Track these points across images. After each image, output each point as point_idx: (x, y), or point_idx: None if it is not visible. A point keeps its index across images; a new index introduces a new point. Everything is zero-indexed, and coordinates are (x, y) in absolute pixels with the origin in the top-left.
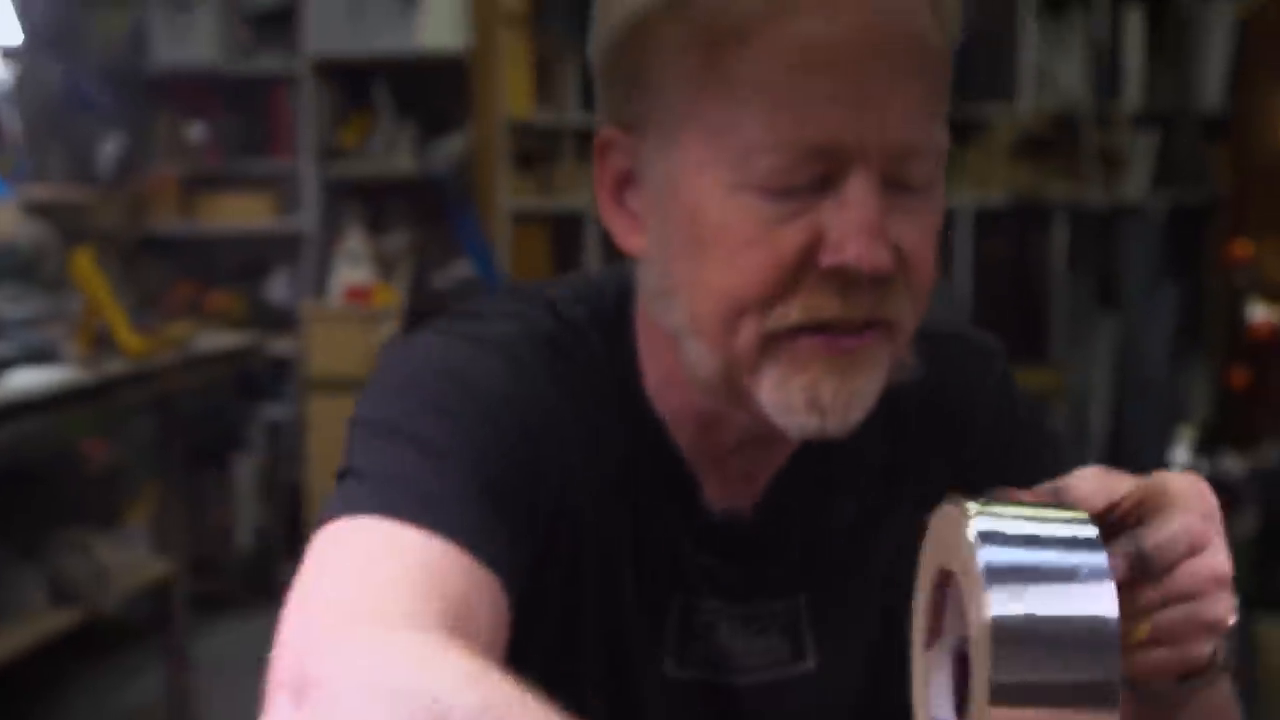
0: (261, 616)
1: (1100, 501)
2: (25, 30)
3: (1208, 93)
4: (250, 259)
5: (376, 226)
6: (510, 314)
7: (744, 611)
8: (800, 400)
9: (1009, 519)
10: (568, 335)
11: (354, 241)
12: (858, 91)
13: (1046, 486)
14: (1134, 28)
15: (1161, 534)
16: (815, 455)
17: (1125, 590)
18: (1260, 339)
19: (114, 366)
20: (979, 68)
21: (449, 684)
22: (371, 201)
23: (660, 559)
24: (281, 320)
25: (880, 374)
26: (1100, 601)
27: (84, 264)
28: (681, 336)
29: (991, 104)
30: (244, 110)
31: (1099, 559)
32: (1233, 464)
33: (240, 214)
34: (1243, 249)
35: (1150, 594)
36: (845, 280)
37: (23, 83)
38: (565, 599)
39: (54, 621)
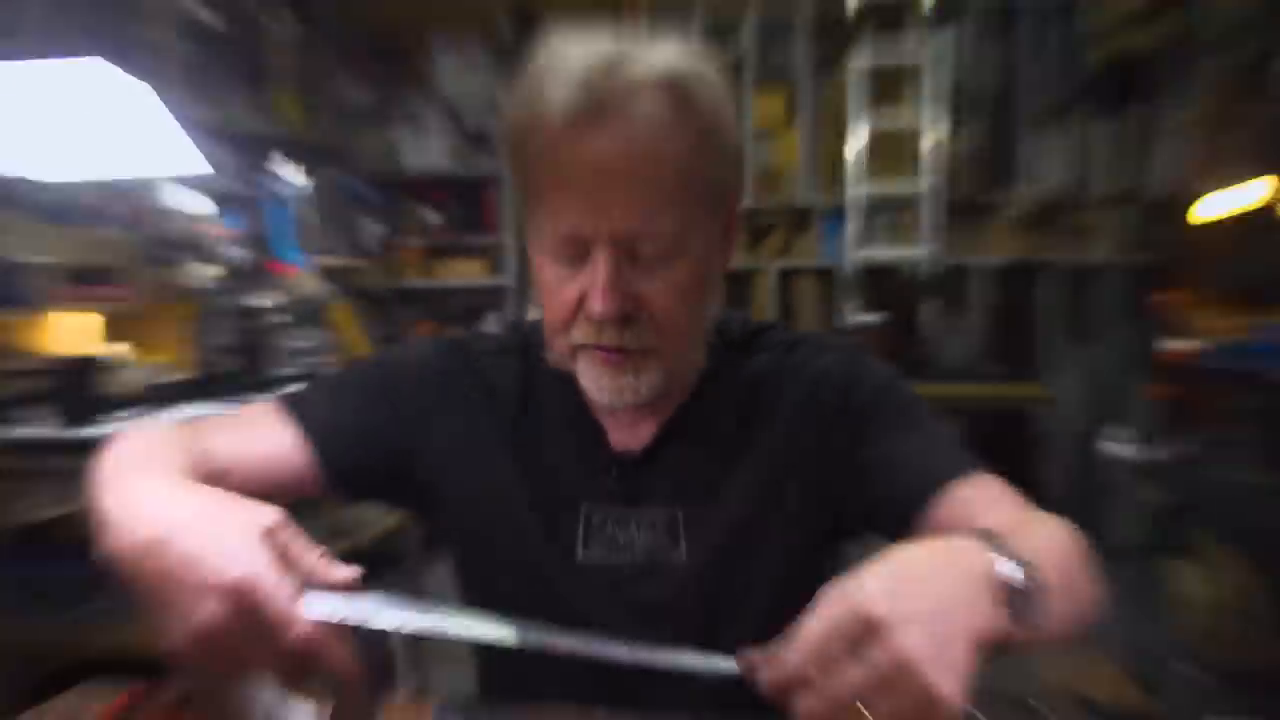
0: None
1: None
2: (317, 152)
3: (1156, 179)
4: (471, 305)
5: None
6: (495, 334)
7: (635, 516)
8: (594, 387)
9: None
10: (522, 344)
11: None
12: (593, 197)
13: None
14: (1101, 134)
15: None
16: (686, 415)
17: None
18: (1175, 362)
19: None
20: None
21: (142, 455)
22: None
23: (576, 480)
24: None
25: (650, 376)
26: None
27: (341, 314)
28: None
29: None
30: (465, 200)
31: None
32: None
33: (463, 273)
34: (1160, 299)
35: None
36: (598, 319)
37: (316, 186)
38: (489, 505)
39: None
